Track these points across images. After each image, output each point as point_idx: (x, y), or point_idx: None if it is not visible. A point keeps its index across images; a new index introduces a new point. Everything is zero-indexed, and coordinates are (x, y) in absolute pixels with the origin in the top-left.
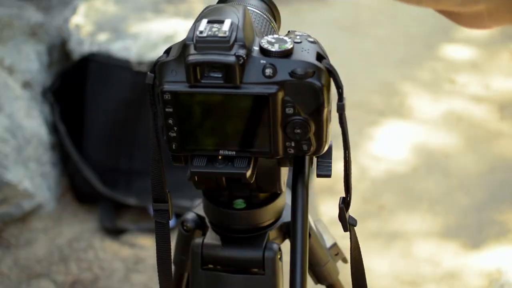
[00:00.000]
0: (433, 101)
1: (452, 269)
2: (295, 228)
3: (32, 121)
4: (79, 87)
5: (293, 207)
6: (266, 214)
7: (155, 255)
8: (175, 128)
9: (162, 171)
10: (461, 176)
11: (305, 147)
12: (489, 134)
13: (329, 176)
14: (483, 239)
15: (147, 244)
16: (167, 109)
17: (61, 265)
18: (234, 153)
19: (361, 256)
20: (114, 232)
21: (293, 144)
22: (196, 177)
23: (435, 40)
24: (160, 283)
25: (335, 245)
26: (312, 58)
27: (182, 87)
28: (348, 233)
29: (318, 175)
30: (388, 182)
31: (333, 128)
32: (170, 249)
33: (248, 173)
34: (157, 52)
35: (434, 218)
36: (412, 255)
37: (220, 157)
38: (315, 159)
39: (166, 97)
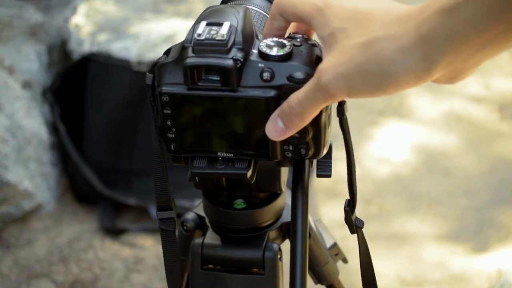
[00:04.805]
0: (433, 101)
1: (453, 269)
2: (295, 228)
3: (32, 121)
4: (79, 87)
5: (293, 207)
6: (266, 214)
7: (156, 255)
8: (173, 130)
9: (167, 178)
10: (461, 176)
11: (303, 151)
12: (489, 134)
13: (329, 176)
14: (483, 240)
15: (147, 244)
16: (165, 111)
17: (61, 265)
18: (232, 155)
19: (370, 259)
20: (114, 232)
21: (291, 148)
22: (196, 178)
23: None
24: None
25: (335, 245)
26: (310, 62)
27: (180, 89)
28: (348, 233)
29: (318, 175)
30: (388, 182)
31: (333, 128)
32: (178, 257)
33: (249, 173)
34: (157, 52)
35: (434, 218)
36: (413, 256)
37: (220, 158)
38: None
39: (165, 98)
